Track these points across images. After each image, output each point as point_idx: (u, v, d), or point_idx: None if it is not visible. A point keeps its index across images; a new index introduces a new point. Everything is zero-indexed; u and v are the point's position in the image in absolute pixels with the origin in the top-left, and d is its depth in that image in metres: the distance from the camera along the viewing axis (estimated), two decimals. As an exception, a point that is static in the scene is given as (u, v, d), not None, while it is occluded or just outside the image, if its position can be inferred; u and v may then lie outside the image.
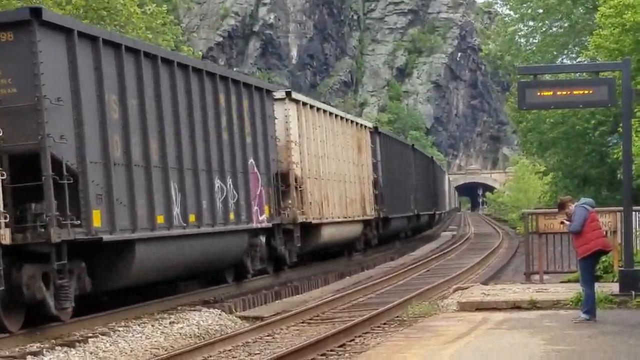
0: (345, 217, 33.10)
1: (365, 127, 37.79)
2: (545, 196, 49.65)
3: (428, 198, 59.34)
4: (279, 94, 27.05)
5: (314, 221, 28.88)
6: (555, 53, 43.79)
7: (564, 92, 17.00)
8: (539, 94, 17.08)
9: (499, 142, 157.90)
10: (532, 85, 17.22)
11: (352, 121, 35.84)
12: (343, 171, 33.30)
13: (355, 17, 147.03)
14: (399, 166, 45.66)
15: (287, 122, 27.29)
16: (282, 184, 26.22)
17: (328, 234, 30.72)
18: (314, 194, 29.22)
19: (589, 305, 14.82)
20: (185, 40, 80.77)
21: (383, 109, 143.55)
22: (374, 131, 39.80)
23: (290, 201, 27.06)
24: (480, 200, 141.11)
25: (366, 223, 37.01)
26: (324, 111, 31.70)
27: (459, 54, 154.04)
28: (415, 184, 51.20)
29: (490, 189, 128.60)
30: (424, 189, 57.09)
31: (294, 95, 28.39)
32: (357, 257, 35.75)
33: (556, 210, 16.90)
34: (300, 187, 27.80)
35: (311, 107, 29.97)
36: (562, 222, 15.47)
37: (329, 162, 31.51)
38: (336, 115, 33.24)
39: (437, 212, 68.79)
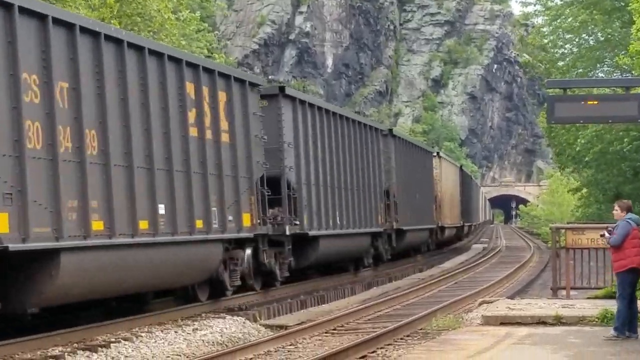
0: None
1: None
2: (578, 211, 49.32)
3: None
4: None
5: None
6: (586, 69, 43.38)
7: (593, 106, 16.87)
8: (568, 108, 16.96)
9: (533, 155, 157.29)
10: (561, 100, 17.11)
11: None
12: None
13: (391, 27, 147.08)
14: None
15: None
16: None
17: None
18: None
19: (619, 321, 14.63)
20: (221, 47, 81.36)
21: (417, 119, 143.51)
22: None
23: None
24: (514, 213, 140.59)
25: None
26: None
27: (495, 65, 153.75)
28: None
29: (524, 201, 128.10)
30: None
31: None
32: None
33: (585, 225, 16.77)
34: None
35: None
36: (602, 235, 15.38)
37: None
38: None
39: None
